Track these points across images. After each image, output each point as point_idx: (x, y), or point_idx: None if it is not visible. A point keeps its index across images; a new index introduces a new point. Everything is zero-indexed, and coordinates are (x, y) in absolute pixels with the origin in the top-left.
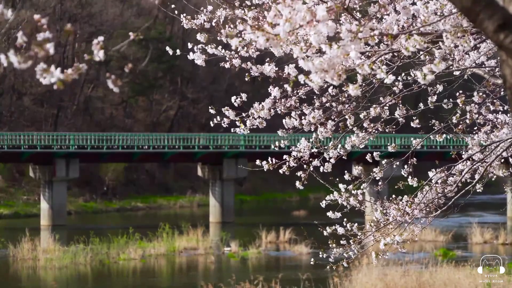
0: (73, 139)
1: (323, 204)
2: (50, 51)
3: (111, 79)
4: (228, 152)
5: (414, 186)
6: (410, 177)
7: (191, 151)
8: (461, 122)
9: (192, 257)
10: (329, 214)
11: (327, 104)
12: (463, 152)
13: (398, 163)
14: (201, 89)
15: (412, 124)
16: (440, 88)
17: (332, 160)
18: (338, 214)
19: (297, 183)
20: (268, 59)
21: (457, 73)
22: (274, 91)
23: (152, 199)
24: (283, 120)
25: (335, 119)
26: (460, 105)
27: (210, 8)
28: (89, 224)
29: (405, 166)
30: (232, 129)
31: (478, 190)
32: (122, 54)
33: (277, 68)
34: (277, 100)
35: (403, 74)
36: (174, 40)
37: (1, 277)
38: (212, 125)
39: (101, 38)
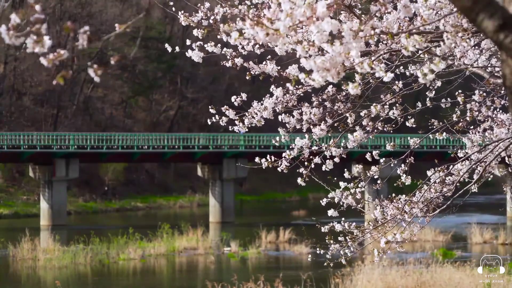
0: (73, 139)
1: (323, 202)
2: (42, 31)
3: (92, 68)
4: (228, 152)
5: (407, 184)
6: (405, 175)
7: (191, 151)
8: (461, 120)
9: (192, 257)
10: (330, 212)
11: (325, 104)
12: (461, 152)
13: (396, 162)
14: (200, 89)
15: (407, 124)
16: (438, 83)
17: (336, 159)
18: (337, 213)
19: (299, 180)
20: (269, 56)
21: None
22: (277, 91)
23: (152, 199)
24: (279, 117)
25: (332, 118)
26: (461, 103)
27: (208, 5)
28: (89, 224)
29: (402, 165)
30: (230, 127)
31: (473, 190)
32: (122, 53)
33: (279, 67)
34: (277, 100)
35: (401, 67)
36: (174, 40)
37: (1, 277)
38: (209, 123)
39: (87, 28)
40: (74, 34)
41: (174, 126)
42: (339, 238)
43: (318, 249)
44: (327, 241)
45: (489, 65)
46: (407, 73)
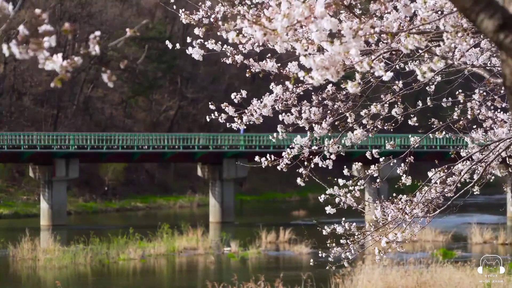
0: (73, 139)
1: (321, 198)
2: (52, 43)
3: (106, 74)
4: (228, 152)
5: (408, 184)
6: (405, 175)
7: (191, 151)
8: (462, 118)
9: (192, 257)
10: (327, 208)
11: (325, 102)
12: (463, 151)
13: (396, 161)
14: (200, 89)
15: (409, 122)
16: (438, 78)
17: (333, 156)
18: (334, 210)
19: (298, 180)
20: (269, 54)
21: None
22: (277, 89)
23: (152, 199)
24: (279, 116)
25: (332, 117)
26: (461, 102)
27: (208, 3)
28: (89, 224)
29: (402, 165)
30: (228, 124)
31: (475, 193)
32: (122, 54)
33: (278, 65)
34: (277, 98)
35: (401, 65)
36: (174, 39)
37: (1, 277)
38: (208, 119)
39: (98, 33)
40: (73, 34)
41: (174, 126)
42: (341, 241)
43: (320, 252)
44: (328, 244)
45: (489, 63)
46: (407, 68)
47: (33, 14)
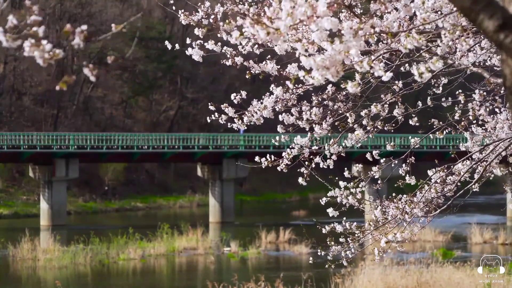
0: (73, 139)
1: (323, 201)
2: (39, 33)
3: (88, 68)
4: (228, 152)
5: (412, 184)
6: (408, 175)
7: (191, 151)
8: (463, 119)
9: (192, 257)
10: (329, 210)
11: (325, 102)
12: (461, 145)
13: (396, 162)
14: (200, 89)
15: (410, 122)
16: (445, 80)
17: (334, 157)
18: (337, 212)
19: (300, 179)
20: (269, 56)
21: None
22: (277, 91)
23: (152, 199)
24: (280, 116)
25: (331, 118)
26: (462, 102)
27: (208, 4)
28: (89, 224)
29: (403, 165)
30: (229, 125)
31: (474, 190)
32: (122, 53)
33: (278, 66)
34: (278, 99)
35: (405, 66)
36: (174, 39)
37: (1, 277)
38: (208, 120)
39: (84, 27)
40: (73, 36)
41: (174, 126)
42: (340, 239)
43: (319, 250)
44: (328, 242)
45: (489, 60)
46: (408, 69)
47: (29, 12)
